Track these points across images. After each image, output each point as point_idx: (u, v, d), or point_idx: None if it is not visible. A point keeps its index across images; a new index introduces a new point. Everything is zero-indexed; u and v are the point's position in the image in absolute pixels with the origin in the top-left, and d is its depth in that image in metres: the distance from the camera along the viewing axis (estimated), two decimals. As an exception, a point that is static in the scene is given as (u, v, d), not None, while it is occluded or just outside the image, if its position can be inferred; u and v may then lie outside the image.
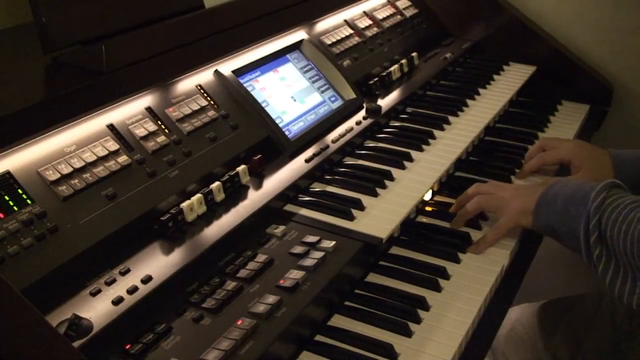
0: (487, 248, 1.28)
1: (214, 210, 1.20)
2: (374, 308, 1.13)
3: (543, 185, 1.30)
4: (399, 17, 2.00)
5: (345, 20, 1.83)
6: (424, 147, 1.54)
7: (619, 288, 1.11)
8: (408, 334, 1.07)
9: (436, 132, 1.61)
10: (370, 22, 1.90)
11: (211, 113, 1.33)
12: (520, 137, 1.73)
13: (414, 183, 1.39)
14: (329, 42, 1.71)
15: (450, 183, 1.51)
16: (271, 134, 1.40)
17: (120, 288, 0.99)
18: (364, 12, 1.92)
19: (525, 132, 1.76)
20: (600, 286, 1.58)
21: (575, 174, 1.45)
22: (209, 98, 1.36)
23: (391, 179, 1.40)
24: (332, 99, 1.62)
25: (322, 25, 1.76)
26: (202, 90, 1.36)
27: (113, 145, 1.14)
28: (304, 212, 1.27)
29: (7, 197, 0.98)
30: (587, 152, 1.48)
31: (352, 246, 1.18)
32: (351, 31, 1.81)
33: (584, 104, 1.95)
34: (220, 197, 1.22)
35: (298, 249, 1.15)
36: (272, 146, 1.39)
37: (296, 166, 1.37)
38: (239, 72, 1.44)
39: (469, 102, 1.78)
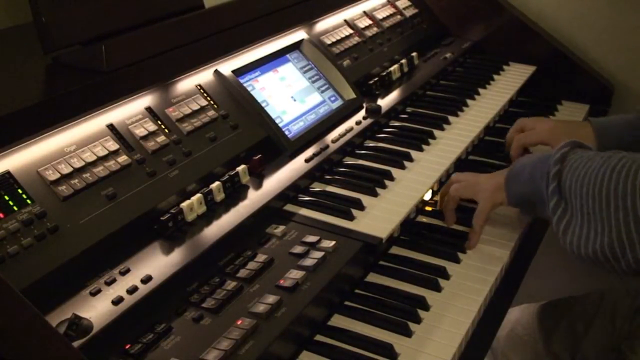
0: (478, 237, 1.30)
1: (213, 210, 1.20)
2: (374, 308, 1.13)
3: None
4: (399, 17, 2.00)
5: (345, 20, 1.83)
6: (424, 147, 1.54)
7: (570, 237, 1.10)
8: (408, 333, 1.07)
9: (436, 132, 1.61)
10: (370, 22, 1.90)
11: (211, 113, 1.33)
12: (520, 137, 1.73)
13: (414, 183, 1.39)
14: (329, 42, 1.71)
15: (450, 183, 1.51)
16: (271, 134, 1.40)
17: (120, 288, 0.99)
18: (364, 12, 1.92)
19: (525, 132, 1.76)
20: (600, 286, 1.58)
21: None
22: (209, 98, 1.36)
23: (391, 179, 1.40)
24: (332, 98, 1.62)
25: (322, 25, 1.76)
26: (202, 90, 1.36)
27: (113, 145, 1.14)
28: (304, 212, 1.27)
29: (7, 197, 0.98)
30: (563, 128, 1.49)
31: (352, 246, 1.18)
32: (351, 31, 1.81)
33: (584, 104, 1.95)
34: (220, 197, 1.22)
35: (298, 249, 1.15)
36: (272, 146, 1.39)
37: (296, 166, 1.37)
38: (239, 72, 1.44)
39: (469, 102, 1.78)
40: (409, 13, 2.05)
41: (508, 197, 1.28)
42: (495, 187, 1.30)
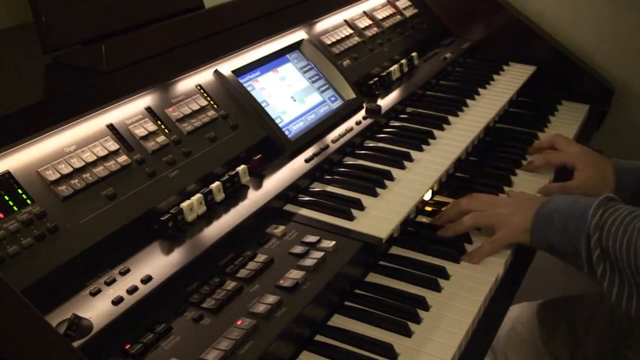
0: (483, 258, 1.26)
1: (213, 210, 1.20)
2: (374, 308, 1.13)
3: (537, 199, 1.30)
4: (399, 17, 2.00)
5: (345, 20, 1.83)
6: (424, 147, 1.54)
7: (626, 302, 1.11)
8: (408, 334, 1.07)
9: (436, 132, 1.61)
10: (370, 22, 1.90)
11: (211, 113, 1.33)
12: (520, 137, 1.73)
13: (414, 183, 1.39)
14: (328, 42, 1.71)
15: (450, 183, 1.51)
16: (271, 134, 1.40)
17: (120, 288, 0.99)
18: (364, 12, 1.92)
19: (525, 132, 1.76)
20: (600, 286, 1.58)
21: (579, 177, 1.45)
22: (208, 98, 1.36)
23: (391, 179, 1.40)
24: (332, 99, 1.62)
25: (322, 25, 1.76)
26: (202, 90, 1.36)
27: (113, 145, 1.14)
28: (304, 212, 1.27)
29: (7, 197, 0.98)
30: (591, 159, 1.49)
31: (352, 246, 1.18)
32: (351, 31, 1.81)
33: (584, 104, 1.95)
34: (220, 197, 1.22)
35: (298, 249, 1.15)
36: (272, 146, 1.39)
37: (296, 166, 1.37)
38: (239, 72, 1.44)
39: (469, 102, 1.78)
40: (409, 13, 2.05)
41: (533, 241, 1.25)
42: (520, 228, 1.26)
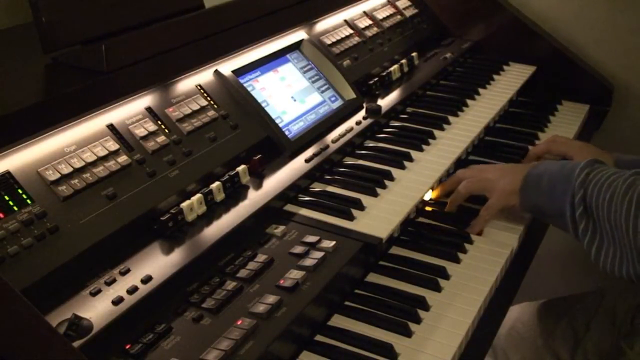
0: (482, 226, 1.33)
1: (214, 210, 1.20)
2: (374, 308, 1.13)
3: (526, 165, 1.34)
4: (399, 17, 2.00)
5: (345, 20, 1.83)
6: (424, 147, 1.54)
7: (603, 259, 1.14)
8: (408, 334, 1.07)
9: (436, 132, 1.61)
10: (370, 22, 1.90)
11: (211, 113, 1.33)
12: (520, 137, 1.73)
13: (414, 183, 1.39)
14: (329, 42, 1.71)
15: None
16: (271, 134, 1.40)
17: (120, 288, 0.99)
18: (364, 12, 1.92)
19: (525, 132, 1.76)
20: (600, 285, 1.58)
21: None
22: (209, 98, 1.36)
23: (391, 179, 1.40)
24: (332, 99, 1.62)
25: (322, 25, 1.76)
26: (202, 90, 1.36)
27: (113, 145, 1.14)
28: (304, 212, 1.27)
29: (7, 197, 0.98)
30: (592, 150, 1.50)
31: (352, 246, 1.18)
32: (351, 31, 1.81)
33: (584, 104, 1.95)
34: (220, 197, 1.22)
35: (298, 249, 1.15)
36: (272, 146, 1.39)
37: (296, 166, 1.37)
38: (239, 72, 1.44)
39: (469, 102, 1.78)
40: (409, 13, 2.05)
41: (522, 203, 1.30)
42: (510, 190, 1.31)
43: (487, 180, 1.36)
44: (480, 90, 1.86)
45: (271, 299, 1.02)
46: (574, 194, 1.16)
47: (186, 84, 1.34)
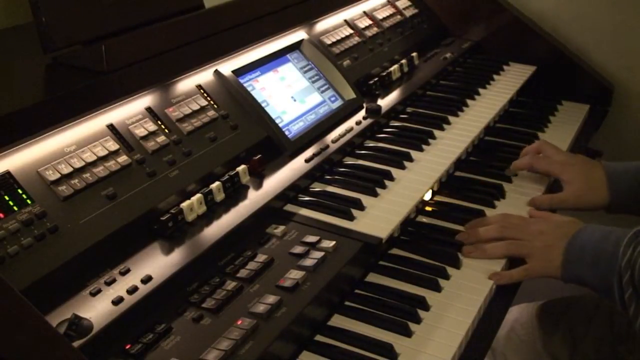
0: (508, 281, 1.23)
1: (214, 210, 1.20)
2: (374, 308, 1.13)
3: (571, 226, 1.25)
4: (399, 17, 2.00)
5: (345, 20, 1.83)
6: (424, 147, 1.54)
7: None
8: (408, 334, 1.07)
9: (436, 132, 1.61)
10: (370, 22, 1.90)
11: (211, 113, 1.33)
12: (520, 137, 1.73)
13: (414, 183, 1.39)
14: (329, 42, 1.71)
15: (450, 183, 1.51)
16: (271, 134, 1.40)
17: (120, 288, 0.99)
18: (364, 12, 1.92)
19: (525, 132, 1.76)
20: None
21: (567, 189, 1.43)
22: (209, 98, 1.36)
23: (391, 179, 1.40)
24: (332, 99, 1.62)
25: (322, 25, 1.76)
26: (202, 90, 1.36)
27: (113, 145, 1.14)
28: (304, 212, 1.27)
29: (7, 197, 0.98)
30: (577, 167, 1.45)
31: (352, 246, 1.18)
32: (351, 31, 1.81)
33: (584, 104, 1.95)
34: (220, 197, 1.22)
35: (298, 249, 1.15)
36: (272, 146, 1.39)
37: (296, 166, 1.37)
38: (239, 72, 1.44)
39: (469, 102, 1.78)
40: (409, 13, 2.05)
41: (564, 276, 1.22)
42: (554, 264, 1.22)
43: (533, 248, 1.25)
44: (480, 90, 1.86)
45: (271, 299, 1.02)
46: (621, 274, 1.11)
47: (186, 84, 1.34)
